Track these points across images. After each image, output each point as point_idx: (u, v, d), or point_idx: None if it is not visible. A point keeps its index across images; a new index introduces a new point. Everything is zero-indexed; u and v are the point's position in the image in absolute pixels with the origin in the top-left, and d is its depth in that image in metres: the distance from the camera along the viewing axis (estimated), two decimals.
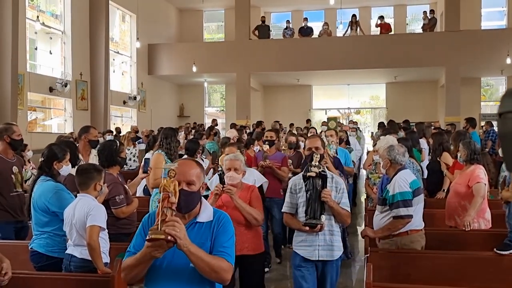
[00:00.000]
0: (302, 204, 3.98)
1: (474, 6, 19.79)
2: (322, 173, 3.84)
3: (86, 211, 3.87)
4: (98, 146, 5.56)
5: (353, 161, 8.43)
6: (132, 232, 3.46)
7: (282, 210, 4.19)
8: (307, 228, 3.88)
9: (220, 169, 4.53)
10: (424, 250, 4.65)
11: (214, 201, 4.08)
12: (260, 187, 4.99)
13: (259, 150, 7.45)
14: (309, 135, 9.12)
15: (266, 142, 6.97)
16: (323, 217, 3.85)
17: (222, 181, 4.25)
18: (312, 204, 3.85)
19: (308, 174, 3.84)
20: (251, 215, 4.19)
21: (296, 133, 12.12)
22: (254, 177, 5.16)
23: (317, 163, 3.81)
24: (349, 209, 4.01)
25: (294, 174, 6.60)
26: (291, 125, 16.01)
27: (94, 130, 6.30)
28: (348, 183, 6.99)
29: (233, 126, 12.52)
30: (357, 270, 6.78)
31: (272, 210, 6.63)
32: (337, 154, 6.72)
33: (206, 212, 2.63)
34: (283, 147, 7.42)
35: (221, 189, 4.12)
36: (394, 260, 4.42)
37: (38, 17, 13.73)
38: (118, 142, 5.39)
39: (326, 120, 17.03)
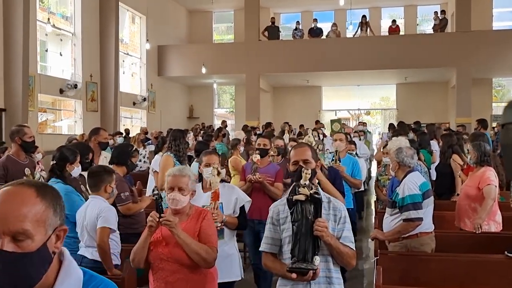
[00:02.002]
0: (288, 240, 2.87)
1: (485, 7, 19.64)
2: (315, 195, 2.73)
3: (96, 213, 3.91)
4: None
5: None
6: (139, 232, 3.48)
7: (260, 249, 3.05)
8: (294, 275, 2.75)
9: (155, 191, 3.43)
10: (434, 253, 4.62)
11: (147, 237, 3.21)
12: (243, 207, 4.19)
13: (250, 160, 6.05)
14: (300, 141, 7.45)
15: (257, 151, 5.69)
16: (317, 259, 2.76)
17: (159, 207, 3.21)
18: (301, 240, 2.75)
19: (295, 197, 2.74)
20: (198, 255, 3.18)
21: (302, 132, 11.74)
22: (236, 195, 4.19)
23: (307, 182, 2.77)
24: (353, 246, 2.91)
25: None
26: (301, 126, 15.95)
27: (104, 132, 6.34)
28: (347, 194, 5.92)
29: (245, 127, 12.50)
30: (367, 272, 6.75)
31: (262, 235, 5.25)
32: (339, 162, 5.91)
33: (67, 283, 1.47)
34: (272, 152, 6.02)
35: (157, 220, 3.14)
36: (404, 262, 4.40)
37: (49, 19, 13.83)
38: (133, 146, 5.50)
39: (327, 122, 16.81)
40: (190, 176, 3.46)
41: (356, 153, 8.07)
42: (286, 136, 7.91)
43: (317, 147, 4.70)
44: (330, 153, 6.44)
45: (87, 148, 5.39)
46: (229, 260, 4.04)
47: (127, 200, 4.75)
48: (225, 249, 3.98)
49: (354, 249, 2.93)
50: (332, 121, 10.64)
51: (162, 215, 3.17)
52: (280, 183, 5.45)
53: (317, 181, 3.32)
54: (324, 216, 2.83)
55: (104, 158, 6.15)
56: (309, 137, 4.15)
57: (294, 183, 2.88)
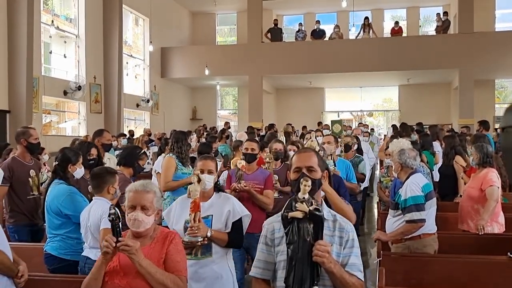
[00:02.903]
0: (283, 265, 2.43)
1: (488, 8, 19.62)
2: (315, 212, 2.28)
3: (100, 214, 3.93)
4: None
5: (362, 174, 7.03)
6: None
7: (251, 273, 2.63)
8: None
9: (112, 210, 2.73)
10: (437, 254, 4.63)
11: (101, 266, 2.77)
12: (240, 222, 3.65)
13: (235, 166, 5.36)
14: (305, 143, 6.70)
15: (243, 157, 5.18)
16: None
17: (116, 230, 2.69)
18: (298, 267, 2.30)
19: (290, 214, 2.31)
20: (164, 287, 2.75)
21: (304, 133, 11.42)
22: (230, 207, 3.61)
23: (306, 196, 2.32)
24: (361, 275, 2.47)
25: (281, 195, 5.39)
26: (304, 127, 15.95)
27: (108, 134, 6.37)
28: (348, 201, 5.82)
29: (249, 129, 12.49)
30: (370, 274, 6.76)
31: (251, 251, 4.61)
32: (335, 167, 5.45)
33: None
34: (267, 159, 5.48)
35: (113, 245, 2.66)
36: (406, 264, 4.41)
37: (52, 21, 13.88)
38: (141, 149, 5.54)
39: (329, 123, 16.29)
40: (156, 193, 2.97)
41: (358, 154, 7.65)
42: (283, 139, 7.40)
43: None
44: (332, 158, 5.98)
45: (88, 145, 5.42)
46: (220, 282, 3.53)
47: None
48: (214, 269, 3.51)
49: (363, 279, 2.46)
50: (333, 122, 10.27)
51: (120, 238, 2.67)
52: (269, 191, 4.91)
53: (322, 193, 2.97)
54: (328, 239, 2.41)
55: (108, 160, 6.18)
56: (311, 141, 3.53)
57: (291, 196, 2.42)
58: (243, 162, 4.97)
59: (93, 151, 5.34)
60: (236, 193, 4.70)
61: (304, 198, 2.33)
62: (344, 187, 4.54)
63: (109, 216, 2.71)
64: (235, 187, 4.79)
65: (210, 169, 3.71)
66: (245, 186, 4.77)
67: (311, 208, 2.29)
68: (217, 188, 3.77)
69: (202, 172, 3.66)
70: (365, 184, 8.36)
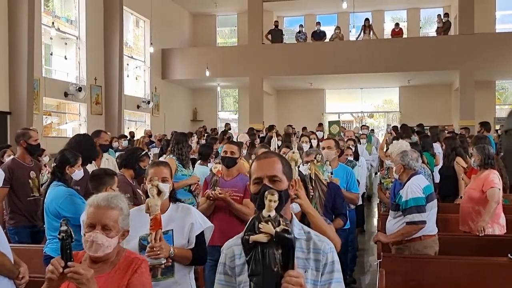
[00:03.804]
0: None
1: (489, 9, 19.63)
2: (284, 235, 1.83)
3: None
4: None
5: (357, 180, 6.25)
6: None
7: None
8: None
9: (64, 226, 2.19)
10: (438, 255, 4.63)
11: None
12: (202, 236, 3.26)
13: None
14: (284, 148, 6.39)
15: (218, 161, 4.77)
16: None
17: (66, 252, 2.19)
18: None
19: (252, 238, 1.87)
20: None
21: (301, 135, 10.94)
22: (192, 220, 3.22)
23: (272, 213, 1.88)
24: None
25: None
26: (304, 128, 15.93)
27: (105, 134, 6.35)
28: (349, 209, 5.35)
29: (250, 130, 12.47)
30: (370, 275, 6.76)
31: None
32: (332, 174, 4.90)
33: None
34: None
35: (60, 271, 2.17)
36: (407, 265, 4.40)
37: (53, 23, 13.90)
38: (143, 151, 5.51)
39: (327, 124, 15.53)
40: (122, 209, 2.50)
41: (353, 159, 7.30)
42: (274, 141, 7.06)
43: (315, 157, 4.10)
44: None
45: (90, 142, 5.42)
46: None
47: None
48: None
49: None
50: (331, 123, 9.53)
51: (69, 263, 2.17)
52: (249, 200, 4.05)
53: (296, 208, 2.66)
54: (301, 263, 2.00)
55: (106, 160, 6.18)
56: (293, 152, 2.81)
57: (253, 215, 1.96)
58: (219, 167, 4.50)
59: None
60: (211, 202, 4.30)
61: (269, 216, 1.87)
62: (341, 197, 4.30)
63: (59, 234, 2.18)
64: (209, 194, 4.29)
65: (164, 176, 3.25)
66: (220, 194, 4.25)
67: (278, 229, 1.82)
68: (174, 198, 3.34)
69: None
70: (362, 189, 7.70)
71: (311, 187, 3.68)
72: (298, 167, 2.86)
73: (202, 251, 3.21)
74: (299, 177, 2.73)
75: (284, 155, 5.72)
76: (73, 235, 2.22)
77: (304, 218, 2.80)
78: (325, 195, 3.89)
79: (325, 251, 2.05)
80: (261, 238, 1.84)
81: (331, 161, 5.18)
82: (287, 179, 2.12)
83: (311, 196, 3.62)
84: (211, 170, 4.63)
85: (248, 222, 1.93)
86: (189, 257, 3.14)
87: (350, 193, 5.29)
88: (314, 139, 8.54)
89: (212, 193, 4.27)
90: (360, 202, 7.18)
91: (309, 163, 4.00)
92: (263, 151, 5.09)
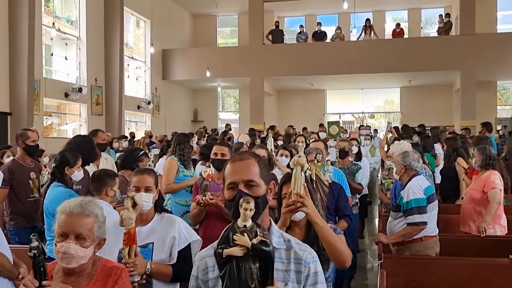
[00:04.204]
0: None
1: (490, 9, 19.62)
2: (262, 247, 1.68)
3: None
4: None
5: (359, 184, 6.32)
6: None
7: None
8: None
9: (34, 242, 2.09)
10: (439, 256, 4.62)
11: None
12: (187, 250, 3.03)
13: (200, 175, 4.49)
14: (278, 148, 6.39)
15: (209, 164, 4.59)
16: None
17: (39, 270, 2.11)
18: None
19: (226, 251, 1.70)
20: None
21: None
22: (174, 233, 2.98)
23: (248, 223, 1.72)
24: None
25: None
26: (304, 129, 15.85)
27: (102, 133, 6.34)
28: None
29: (251, 131, 12.47)
30: (371, 276, 6.74)
31: None
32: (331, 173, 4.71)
33: None
34: None
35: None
36: (408, 266, 4.39)
37: (54, 23, 13.90)
38: (141, 151, 5.49)
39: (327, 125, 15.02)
40: (98, 216, 2.29)
41: (359, 159, 7.21)
42: (270, 142, 6.56)
43: (315, 157, 3.92)
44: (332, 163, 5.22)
45: (89, 143, 5.41)
46: None
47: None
48: None
49: None
50: (330, 124, 9.10)
51: (44, 282, 2.05)
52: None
53: (288, 207, 2.45)
54: (281, 275, 1.85)
55: (104, 160, 6.17)
56: (299, 157, 2.53)
57: (228, 225, 1.76)
58: (209, 171, 4.23)
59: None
60: (202, 207, 4.07)
61: (245, 227, 1.70)
62: (344, 198, 4.15)
63: (29, 251, 2.04)
64: (199, 200, 4.03)
65: (148, 186, 3.04)
66: (211, 199, 3.96)
67: (255, 241, 1.67)
68: (159, 207, 3.12)
69: (137, 190, 2.99)
70: (364, 192, 7.53)
71: (313, 189, 3.48)
72: (305, 172, 2.61)
73: (186, 267, 2.66)
74: (305, 184, 2.53)
75: (281, 157, 5.58)
76: (45, 251, 2.15)
77: (310, 227, 2.63)
78: (327, 196, 3.70)
79: (307, 261, 1.88)
80: (236, 251, 1.68)
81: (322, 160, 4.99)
82: (264, 183, 1.94)
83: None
84: (200, 174, 4.34)
85: (222, 233, 1.75)
86: (168, 273, 2.91)
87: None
88: (315, 139, 8.15)
89: (202, 199, 4.01)
90: (357, 211, 6.90)
91: (309, 163, 3.85)
92: (260, 151, 5.07)
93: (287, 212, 2.49)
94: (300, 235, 2.64)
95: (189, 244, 3.03)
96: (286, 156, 5.66)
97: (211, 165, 4.40)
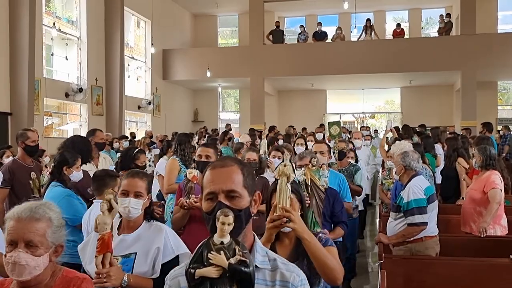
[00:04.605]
0: None
1: (490, 10, 19.62)
2: (240, 268, 1.50)
3: None
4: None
5: (359, 186, 6.06)
6: None
7: None
8: None
9: None
10: (439, 256, 4.62)
11: None
12: (175, 263, 2.70)
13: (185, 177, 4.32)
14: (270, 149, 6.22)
15: (193, 165, 4.45)
16: None
17: None
18: None
19: (199, 272, 1.50)
20: None
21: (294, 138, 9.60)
22: (159, 244, 2.75)
23: (226, 239, 1.53)
24: None
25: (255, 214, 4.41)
26: (304, 129, 15.82)
27: (100, 133, 6.33)
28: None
29: (251, 131, 12.46)
30: (371, 276, 6.74)
31: None
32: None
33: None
34: None
35: None
36: (408, 266, 4.39)
37: (54, 23, 13.90)
38: (135, 149, 5.47)
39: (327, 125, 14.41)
40: (51, 220, 2.05)
41: (355, 161, 6.97)
42: (264, 144, 6.25)
43: (310, 161, 3.79)
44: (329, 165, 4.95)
45: (85, 143, 5.42)
46: None
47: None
48: None
49: None
50: (330, 124, 8.77)
51: None
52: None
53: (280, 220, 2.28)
54: None
55: (103, 159, 6.18)
56: (284, 165, 2.28)
57: (203, 241, 1.56)
58: (195, 172, 4.03)
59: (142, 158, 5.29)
60: (186, 211, 3.83)
61: (222, 243, 1.50)
62: (340, 204, 3.96)
63: None
64: (183, 202, 3.80)
65: (138, 191, 2.80)
66: (195, 202, 3.70)
67: (232, 260, 1.48)
68: (149, 215, 2.89)
69: (126, 194, 2.78)
70: (362, 195, 7.27)
71: (307, 195, 3.39)
72: (298, 181, 2.47)
73: None
74: (292, 196, 2.34)
75: (274, 159, 5.42)
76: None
77: (299, 244, 2.46)
78: (323, 202, 3.52)
79: (295, 284, 1.67)
80: (211, 272, 1.47)
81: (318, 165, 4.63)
82: (248, 194, 1.72)
83: (307, 205, 3.34)
84: (185, 176, 4.12)
85: (195, 250, 1.53)
86: None
87: (344, 202, 4.69)
88: (312, 141, 8.02)
89: (186, 202, 3.78)
90: (361, 208, 6.82)
91: (303, 168, 3.70)
92: (251, 154, 5.00)
93: (272, 228, 2.31)
94: (289, 246, 2.55)
95: (177, 257, 2.76)
96: (279, 157, 5.51)
97: (196, 167, 4.20)
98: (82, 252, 2.84)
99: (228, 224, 1.50)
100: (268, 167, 5.37)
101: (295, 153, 6.21)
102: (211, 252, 1.48)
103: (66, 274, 2.10)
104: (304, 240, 2.37)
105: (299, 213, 2.56)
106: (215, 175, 1.70)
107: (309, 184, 3.47)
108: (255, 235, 1.78)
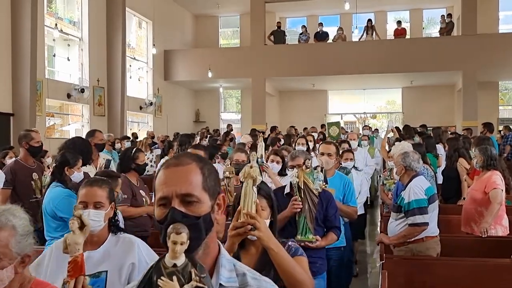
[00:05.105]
0: None
1: (491, 10, 19.61)
2: None
3: None
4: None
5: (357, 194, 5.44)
6: (140, 236, 3.45)
7: None
8: None
9: None
10: (440, 257, 4.62)
11: None
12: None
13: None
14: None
15: None
16: None
17: None
18: None
19: None
20: None
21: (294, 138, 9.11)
22: (133, 259, 2.50)
23: (180, 261, 1.25)
24: None
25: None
26: (305, 129, 15.68)
27: (99, 134, 6.35)
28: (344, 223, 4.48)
29: (253, 131, 12.46)
30: (372, 277, 6.74)
31: None
32: (326, 184, 3.82)
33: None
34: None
35: None
36: (409, 267, 4.40)
37: (56, 24, 13.93)
38: (134, 149, 5.47)
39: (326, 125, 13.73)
40: (15, 228, 1.83)
41: (354, 166, 6.70)
42: (261, 147, 6.08)
43: (304, 162, 3.53)
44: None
45: (85, 144, 5.43)
46: None
47: (122, 202, 4.75)
48: None
49: None
50: (330, 125, 8.47)
51: None
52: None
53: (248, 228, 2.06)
54: None
55: (103, 160, 6.20)
56: (251, 167, 2.09)
57: (152, 263, 1.32)
58: None
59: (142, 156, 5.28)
60: None
61: (174, 266, 1.25)
62: (334, 207, 3.66)
63: None
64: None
65: (98, 201, 2.55)
66: None
67: (187, 287, 1.23)
68: (115, 226, 2.61)
69: (85, 206, 2.51)
70: (363, 198, 6.80)
71: (299, 199, 3.26)
72: (259, 188, 2.11)
73: None
74: (257, 200, 2.09)
75: (272, 163, 4.95)
76: None
77: (266, 253, 2.24)
78: (316, 207, 3.32)
79: None
80: None
81: (327, 170, 4.37)
82: (209, 198, 1.45)
83: (299, 210, 3.29)
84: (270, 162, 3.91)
85: (143, 274, 1.31)
86: None
87: (347, 206, 4.42)
88: (311, 141, 7.59)
89: None
90: (362, 211, 6.41)
91: (295, 169, 3.49)
92: (239, 155, 4.66)
93: (234, 236, 2.07)
94: (255, 255, 2.35)
95: None
96: (278, 162, 5.09)
97: None
98: (37, 270, 2.37)
99: (181, 244, 1.23)
100: (264, 171, 4.91)
101: None
102: (161, 278, 1.22)
103: (36, 286, 1.92)
104: (270, 250, 2.17)
105: (269, 220, 2.40)
106: (168, 176, 1.44)
107: (302, 187, 3.28)
108: (220, 244, 1.52)
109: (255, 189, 2.06)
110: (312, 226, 3.28)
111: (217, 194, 1.50)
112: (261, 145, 5.98)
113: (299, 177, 3.29)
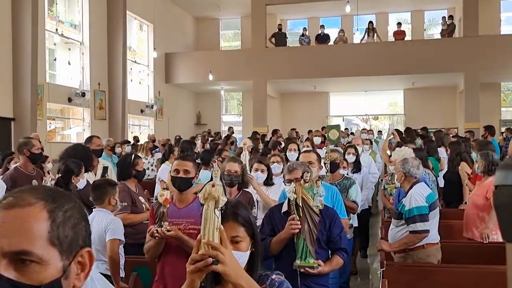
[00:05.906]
0: None
1: (493, 11, 19.57)
2: None
3: (104, 226, 3.93)
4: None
5: (353, 201, 5.19)
6: (139, 243, 3.42)
7: None
8: None
9: None
10: (441, 264, 4.59)
11: None
12: None
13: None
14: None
15: (165, 185, 4.09)
16: None
17: None
18: None
19: None
20: None
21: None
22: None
23: None
24: None
25: None
26: (310, 132, 15.28)
27: (97, 139, 6.35)
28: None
29: (254, 134, 12.42)
30: (373, 284, 6.71)
31: None
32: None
33: None
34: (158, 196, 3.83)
35: None
36: (410, 274, 4.37)
37: (57, 28, 13.94)
38: (134, 155, 5.46)
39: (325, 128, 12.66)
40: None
41: (358, 169, 6.70)
42: (245, 156, 5.57)
43: (302, 176, 3.22)
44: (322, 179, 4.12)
45: (86, 151, 5.42)
46: None
47: (122, 210, 4.74)
48: None
49: None
50: (329, 128, 8.15)
51: None
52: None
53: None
54: None
55: (101, 166, 6.19)
56: (212, 186, 1.74)
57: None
58: (167, 194, 3.28)
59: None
60: (159, 240, 3.24)
61: None
62: (339, 227, 3.31)
63: None
64: (153, 231, 3.19)
65: None
66: (168, 231, 3.16)
67: None
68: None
69: None
70: (364, 205, 6.80)
71: (298, 218, 3.01)
72: (221, 210, 1.75)
73: None
74: (221, 226, 1.70)
75: (255, 173, 4.69)
76: None
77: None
78: (318, 227, 3.06)
79: None
80: None
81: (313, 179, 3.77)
82: (61, 255, 1.06)
83: (298, 231, 3.04)
84: (156, 199, 3.37)
85: None
86: None
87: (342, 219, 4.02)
88: (308, 146, 7.05)
89: (157, 231, 3.16)
90: (351, 235, 5.81)
91: (292, 183, 3.21)
92: (231, 165, 4.27)
93: (193, 272, 1.63)
94: None
95: None
96: (262, 171, 4.78)
97: (171, 185, 3.57)
98: None
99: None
100: (250, 183, 4.57)
101: (287, 161, 5.59)
102: None
103: None
104: (225, 275, 1.65)
105: (249, 251, 1.94)
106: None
107: (301, 204, 3.01)
108: None
109: (217, 212, 1.70)
110: (313, 249, 3.02)
111: (78, 248, 1.10)
112: (245, 154, 5.52)
113: (297, 193, 3.01)
